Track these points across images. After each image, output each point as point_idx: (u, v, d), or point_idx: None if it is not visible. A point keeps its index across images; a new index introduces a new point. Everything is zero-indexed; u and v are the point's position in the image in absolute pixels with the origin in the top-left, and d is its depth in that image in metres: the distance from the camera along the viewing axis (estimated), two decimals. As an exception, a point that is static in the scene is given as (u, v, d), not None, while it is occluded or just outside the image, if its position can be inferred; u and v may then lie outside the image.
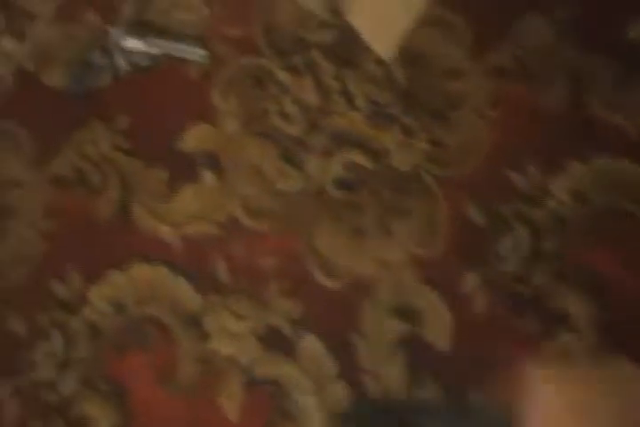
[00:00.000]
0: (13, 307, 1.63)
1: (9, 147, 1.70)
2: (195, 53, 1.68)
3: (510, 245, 1.51)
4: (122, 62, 1.69)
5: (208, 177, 1.62)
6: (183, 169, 1.63)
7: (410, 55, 1.60)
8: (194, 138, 1.64)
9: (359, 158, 1.58)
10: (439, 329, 1.50)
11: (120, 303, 1.60)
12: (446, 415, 1.42)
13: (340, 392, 1.49)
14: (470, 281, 1.50)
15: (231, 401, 1.51)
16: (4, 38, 1.76)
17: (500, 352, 1.45)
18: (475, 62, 1.59)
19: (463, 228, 1.53)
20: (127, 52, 1.69)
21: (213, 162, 1.63)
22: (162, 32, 1.70)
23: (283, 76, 1.65)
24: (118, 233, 1.63)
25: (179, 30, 1.70)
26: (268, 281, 1.56)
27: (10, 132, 1.71)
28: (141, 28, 1.71)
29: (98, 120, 1.68)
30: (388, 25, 1.60)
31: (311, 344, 1.52)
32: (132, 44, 1.69)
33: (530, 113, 1.55)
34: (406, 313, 1.52)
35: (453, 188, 1.55)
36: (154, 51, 1.69)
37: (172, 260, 1.60)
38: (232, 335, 1.55)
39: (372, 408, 1.49)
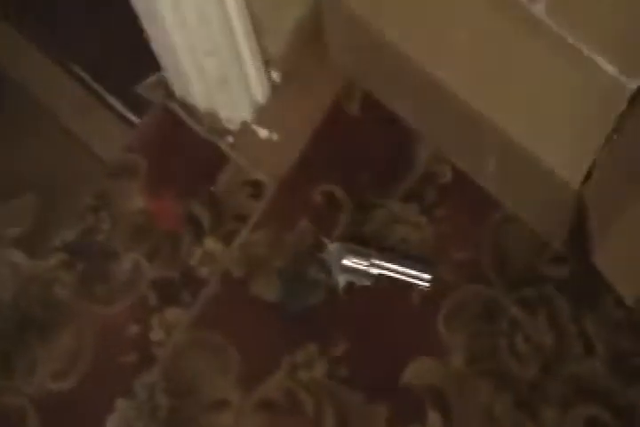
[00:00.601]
0: None
1: (215, 362, 1.62)
2: (418, 277, 1.59)
3: None
4: (339, 279, 1.61)
5: (433, 418, 1.53)
6: (406, 406, 1.55)
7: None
8: (417, 371, 1.56)
9: (601, 414, 1.49)
10: None
11: None
12: None
13: None
14: None
15: None
16: (209, 239, 1.68)
17: None
18: None
19: None
20: (345, 269, 1.60)
21: (439, 400, 1.54)
22: (382, 249, 1.61)
23: (514, 310, 1.56)
24: (334, 471, 1.56)
25: (401, 248, 1.61)
26: None
27: (216, 345, 1.62)
28: (360, 243, 1.62)
29: (312, 342, 1.60)
30: (636, 269, 1.50)
31: None
32: (351, 261, 1.60)
33: None
34: None
35: None
36: (374, 270, 1.60)
37: None
38: None
39: None
